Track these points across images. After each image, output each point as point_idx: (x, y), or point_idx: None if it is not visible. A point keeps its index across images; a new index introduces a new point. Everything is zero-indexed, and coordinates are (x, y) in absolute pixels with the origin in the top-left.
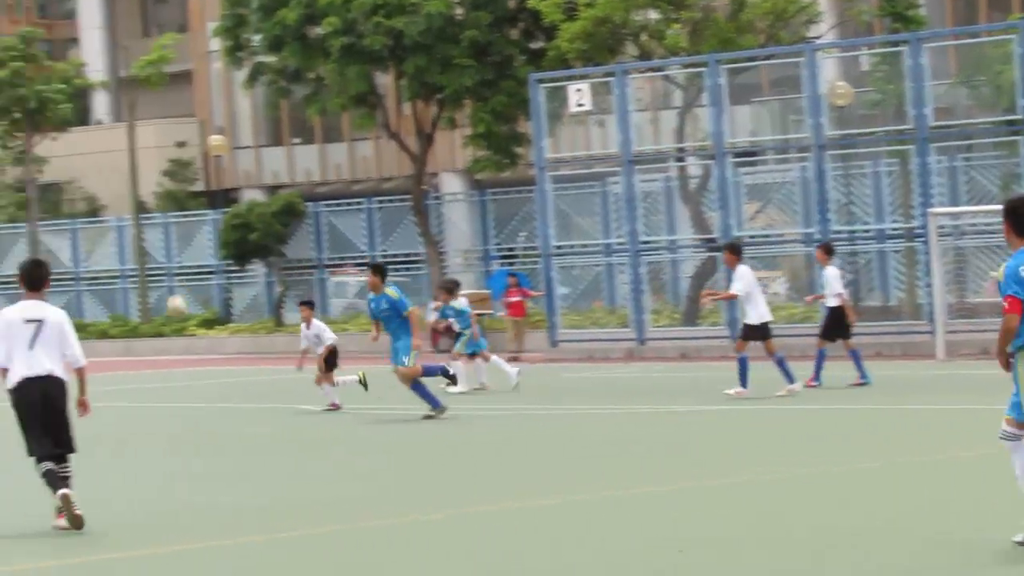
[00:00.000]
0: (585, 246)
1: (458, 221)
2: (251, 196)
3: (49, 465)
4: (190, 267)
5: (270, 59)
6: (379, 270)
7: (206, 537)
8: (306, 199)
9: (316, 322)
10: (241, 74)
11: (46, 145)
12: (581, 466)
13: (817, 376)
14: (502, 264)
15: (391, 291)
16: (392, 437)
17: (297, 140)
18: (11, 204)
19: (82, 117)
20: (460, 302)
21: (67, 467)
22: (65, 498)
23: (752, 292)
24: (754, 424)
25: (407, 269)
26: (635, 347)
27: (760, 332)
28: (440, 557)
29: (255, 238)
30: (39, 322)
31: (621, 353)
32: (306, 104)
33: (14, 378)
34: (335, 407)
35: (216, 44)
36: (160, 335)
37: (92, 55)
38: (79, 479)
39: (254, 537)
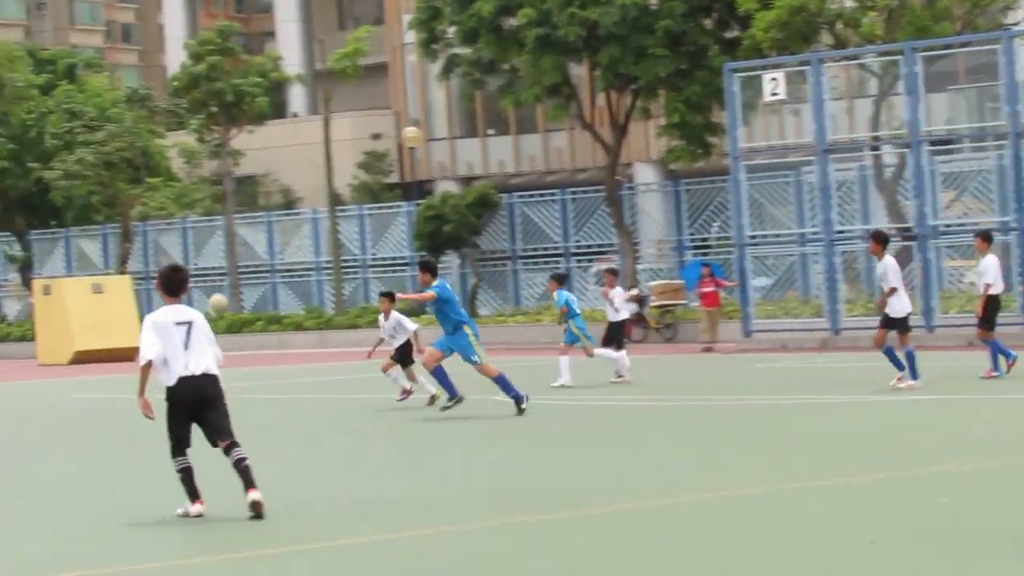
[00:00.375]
0: (779, 236)
1: (652, 211)
2: (445, 187)
3: (186, 463)
4: (384, 259)
5: (465, 51)
6: (428, 267)
7: (418, 525)
8: (500, 190)
9: (395, 314)
10: (436, 66)
11: (243, 138)
12: (759, 457)
13: (996, 366)
14: (696, 254)
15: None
16: (574, 426)
17: (491, 131)
18: (208, 197)
19: (278, 110)
20: (558, 293)
21: (241, 451)
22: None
23: (898, 284)
24: (944, 414)
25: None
26: (829, 337)
27: (902, 323)
28: (652, 546)
29: (449, 229)
30: (189, 324)
31: (815, 343)
32: (500, 95)
33: (172, 377)
34: (406, 394)
35: (411, 36)
36: (354, 327)
37: (288, 48)
38: (269, 468)
39: (469, 525)
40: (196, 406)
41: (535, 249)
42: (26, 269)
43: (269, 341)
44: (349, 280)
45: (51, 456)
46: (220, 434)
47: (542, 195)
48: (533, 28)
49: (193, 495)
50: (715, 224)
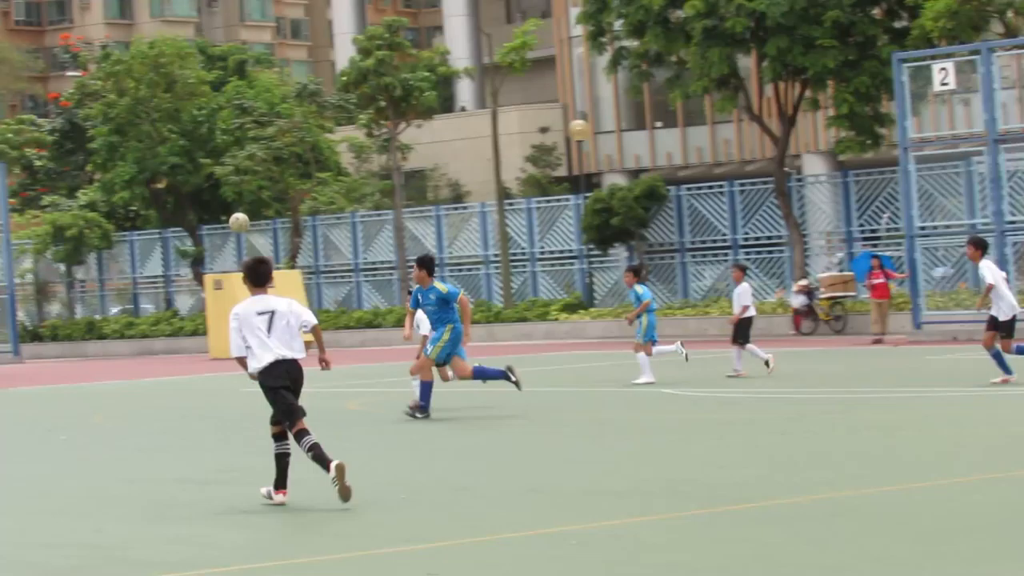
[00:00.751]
0: (949, 227)
1: (820, 203)
2: (613, 180)
3: (286, 449)
4: (552, 252)
5: (632, 43)
6: (425, 263)
7: (612, 515)
8: (668, 183)
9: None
10: (603, 59)
11: (411, 132)
12: (929, 450)
13: None
14: (865, 246)
15: (439, 284)
16: (742, 418)
17: (659, 124)
18: (377, 191)
19: (446, 104)
20: (638, 288)
21: (312, 437)
22: (340, 469)
23: (999, 285)
24: None
25: (768, 252)
26: None
27: (1005, 327)
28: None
29: (617, 222)
30: (271, 313)
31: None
32: (668, 88)
33: (261, 362)
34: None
35: (578, 30)
36: (523, 320)
37: (456, 42)
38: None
39: (641, 518)
40: (287, 386)
41: (703, 241)
42: (198, 264)
43: None
44: (517, 273)
45: (218, 448)
46: (295, 418)
47: (710, 187)
48: (700, 20)
49: (281, 482)
50: (885, 215)
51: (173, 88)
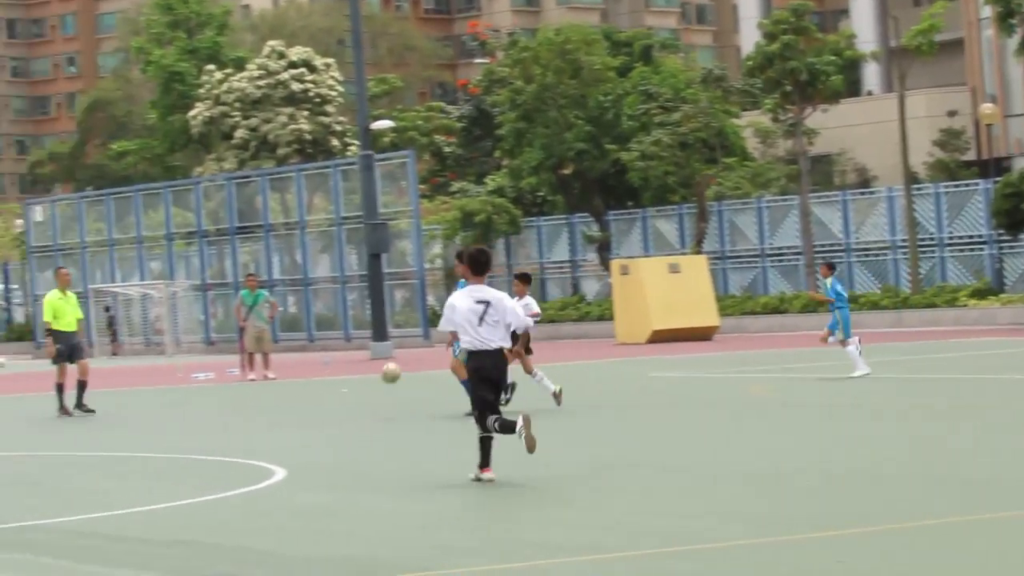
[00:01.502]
0: None
1: None
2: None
3: (495, 416)
4: (960, 237)
5: None
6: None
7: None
8: None
9: (527, 298)
10: (1013, 41)
11: (817, 117)
12: None
13: None
14: None
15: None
16: None
17: None
18: (783, 176)
19: (853, 88)
20: (829, 281)
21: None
22: (527, 420)
23: None
24: None
25: None
26: None
27: None
28: None
29: None
30: (487, 303)
31: None
32: None
33: (469, 347)
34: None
35: (987, 11)
36: (931, 306)
37: (862, 26)
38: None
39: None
40: (490, 377)
41: None
42: (604, 249)
43: None
44: (925, 259)
45: (621, 434)
46: (487, 413)
47: None
48: None
49: (485, 462)
50: None
51: (579, 74)
